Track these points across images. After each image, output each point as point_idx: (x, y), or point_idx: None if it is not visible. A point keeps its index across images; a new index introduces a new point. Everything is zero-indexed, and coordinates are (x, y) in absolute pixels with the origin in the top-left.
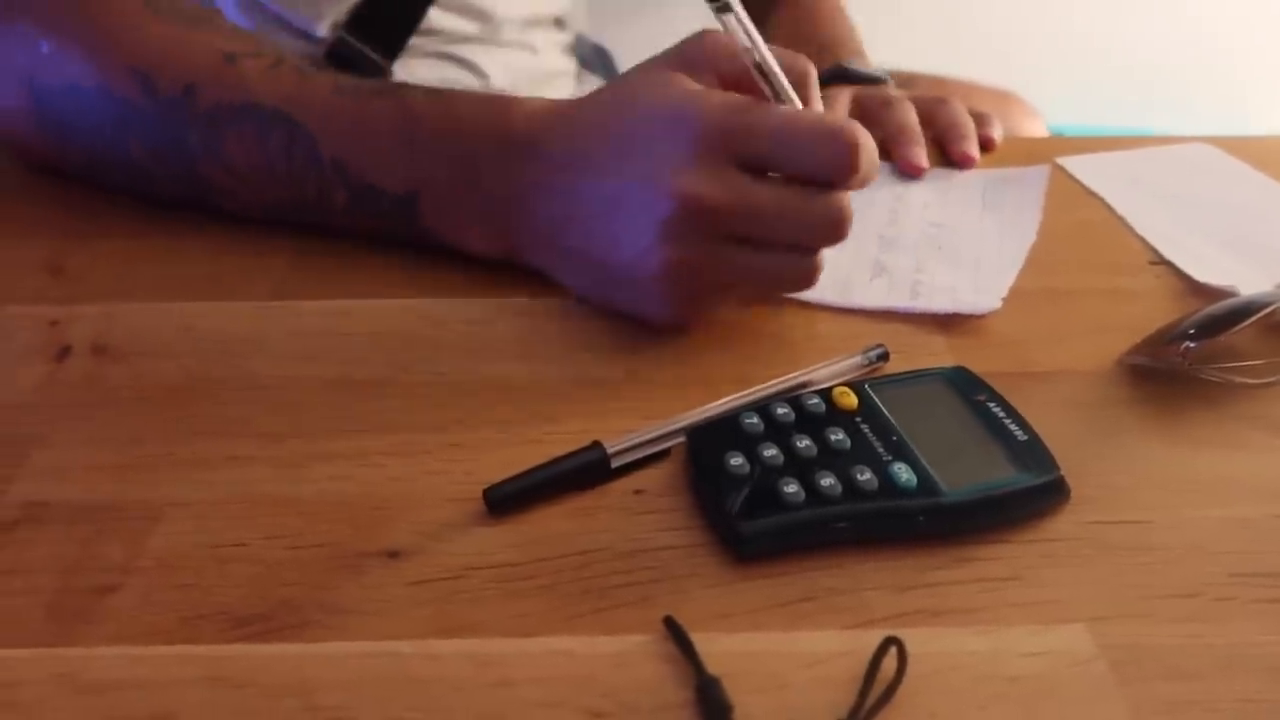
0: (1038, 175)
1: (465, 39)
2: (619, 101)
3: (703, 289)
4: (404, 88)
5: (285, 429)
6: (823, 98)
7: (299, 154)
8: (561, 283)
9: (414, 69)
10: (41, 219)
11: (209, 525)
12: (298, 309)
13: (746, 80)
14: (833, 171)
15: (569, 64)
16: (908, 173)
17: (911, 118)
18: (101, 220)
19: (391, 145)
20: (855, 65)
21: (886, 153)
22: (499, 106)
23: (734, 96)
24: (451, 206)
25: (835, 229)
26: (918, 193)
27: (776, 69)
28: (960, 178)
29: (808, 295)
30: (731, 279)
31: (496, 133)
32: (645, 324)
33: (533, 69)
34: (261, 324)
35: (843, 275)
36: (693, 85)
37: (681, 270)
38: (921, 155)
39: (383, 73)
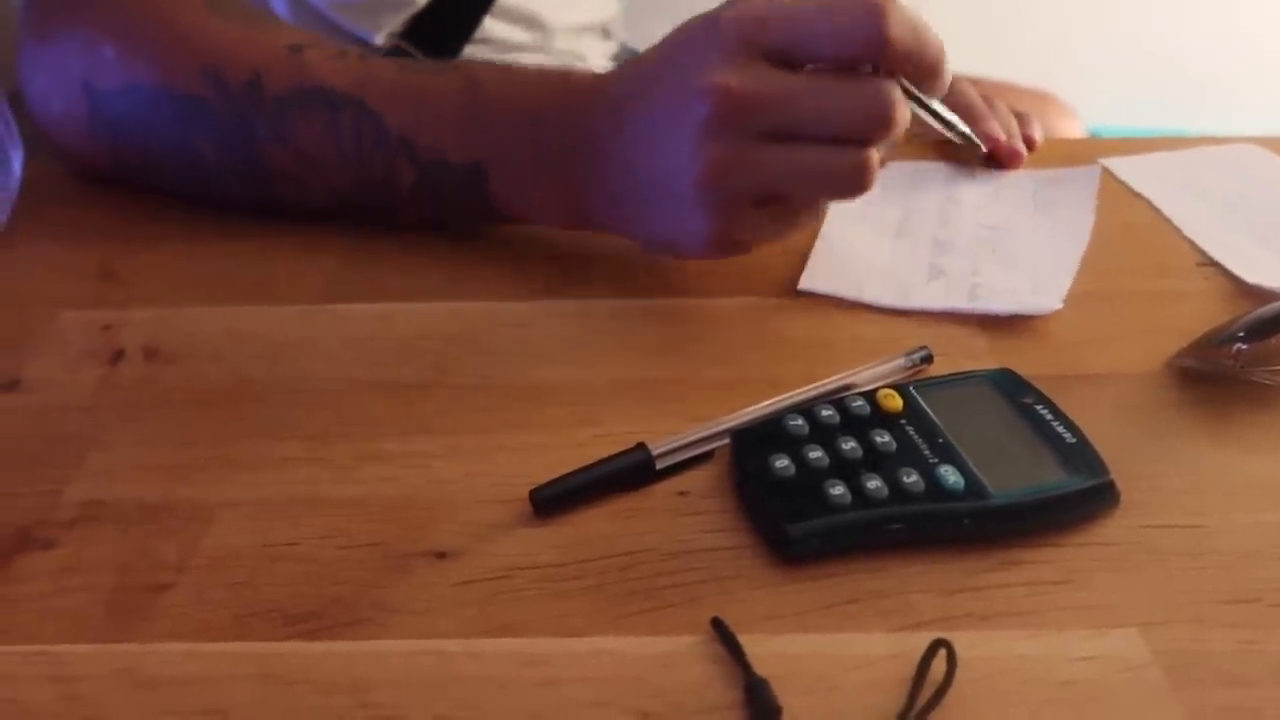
0: (1089, 176)
1: (518, 47)
2: (664, 39)
3: (743, 195)
4: (468, 63)
5: (333, 431)
6: None
7: (367, 133)
8: (624, 235)
9: None
10: (93, 225)
11: (260, 525)
12: (344, 313)
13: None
14: (861, 44)
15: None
16: (994, 150)
17: (975, 98)
18: (152, 226)
19: (456, 116)
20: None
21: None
22: (559, 72)
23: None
24: (516, 174)
25: (881, 114)
26: (968, 195)
27: None
28: (1010, 179)
29: (867, 297)
30: (775, 181)
31: (556, 94)
32: (695, 255)
33: None
34: (309, 328)
35: (901, 278)
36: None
37: (719, 171)
38: (1019, 145)
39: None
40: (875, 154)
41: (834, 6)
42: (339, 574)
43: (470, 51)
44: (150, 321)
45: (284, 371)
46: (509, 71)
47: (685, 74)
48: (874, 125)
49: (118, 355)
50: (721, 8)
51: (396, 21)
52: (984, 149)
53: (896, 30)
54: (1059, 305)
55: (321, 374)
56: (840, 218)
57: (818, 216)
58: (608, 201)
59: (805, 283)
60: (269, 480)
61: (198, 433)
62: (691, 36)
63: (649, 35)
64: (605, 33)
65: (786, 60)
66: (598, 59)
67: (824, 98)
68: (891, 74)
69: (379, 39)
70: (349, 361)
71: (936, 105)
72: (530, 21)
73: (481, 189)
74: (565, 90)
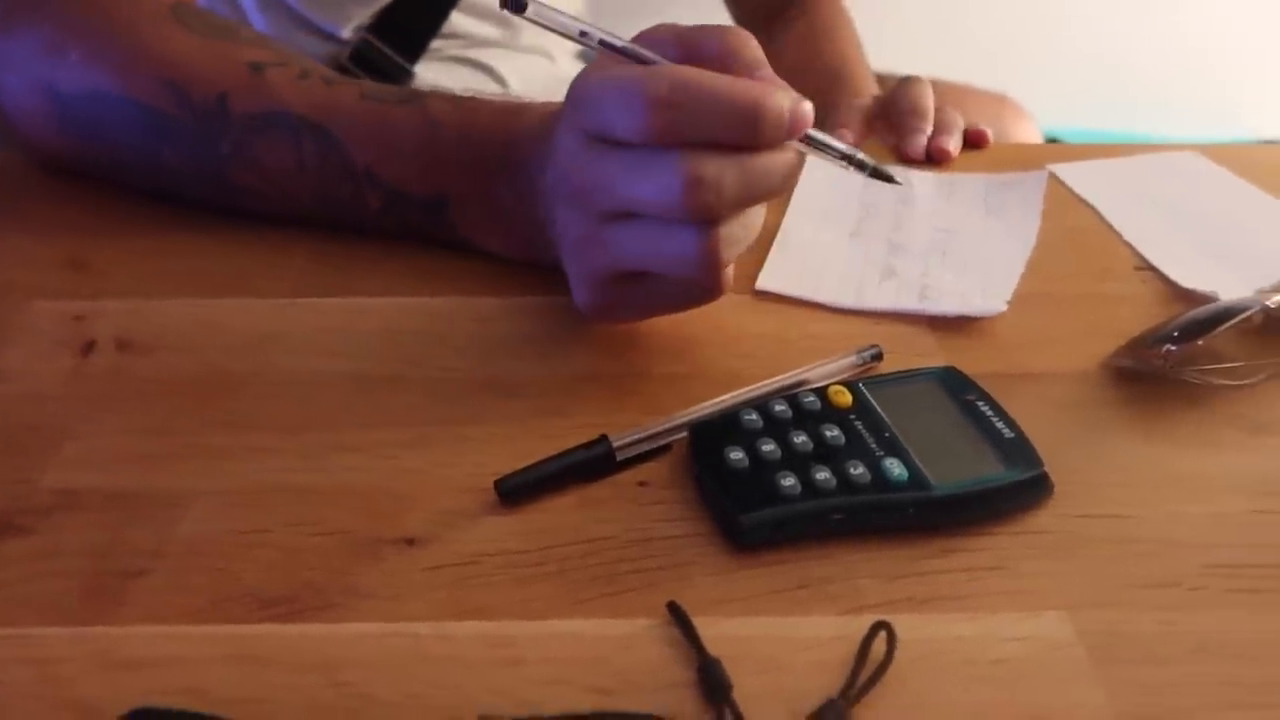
0: (1037, 181)
1: (486, 43)
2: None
3: (602, 272)
4: (427, 95)
5: (304, 422)
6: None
7: (332, 160)
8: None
9: (435, 72)
10: (64, 216)
11: (233, 513)
12: (316, 306)
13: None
14: (631, 131)
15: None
16: (904, 158)
17: (925, 102)
18: (124, 218)
19: (416, 153)
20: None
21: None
22: (512, 112)
23: (613, 70)
24: (475, 211)
25: (667, 189)
26: (923, 199)
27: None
28: (963, 183)
29: (821, 298)
30: (625, 260)
31: (508, 140)
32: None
33: (548, 75)
34: (281, 321)
35: (855, 279)
36: (610, 68)
37: (575, 248)
38: (922, 144)
39: (405, 75)
40: (714, 239)
41: (618, 86)
42: (311, 560)
43: (438, 46)
44: (122, 313)
45: (256, 363)
46: (467, 109)
47: (557, 148)
48: (667, 201)
49: (89, 346)
50: (578, 75)
51: (364, 15)
52: (897, 180)
53: (654, 111)
54: (1004, 308)
55: (293, 366)
56: (798, 217)
57: (714, 292)
58: (556, 248)
59: (762, 282)
60: (241, 469)
61: (170, 422)
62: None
63: (615, 31)
64: None
65: (608, 140)
66: (566, 57)
67: (624, 177)
68: (680, 146)
69: (345, 32)
70: (319, 354)
71: (823, 138)
72: (499, 17)
73: (445, 222)
74: (512, 137)
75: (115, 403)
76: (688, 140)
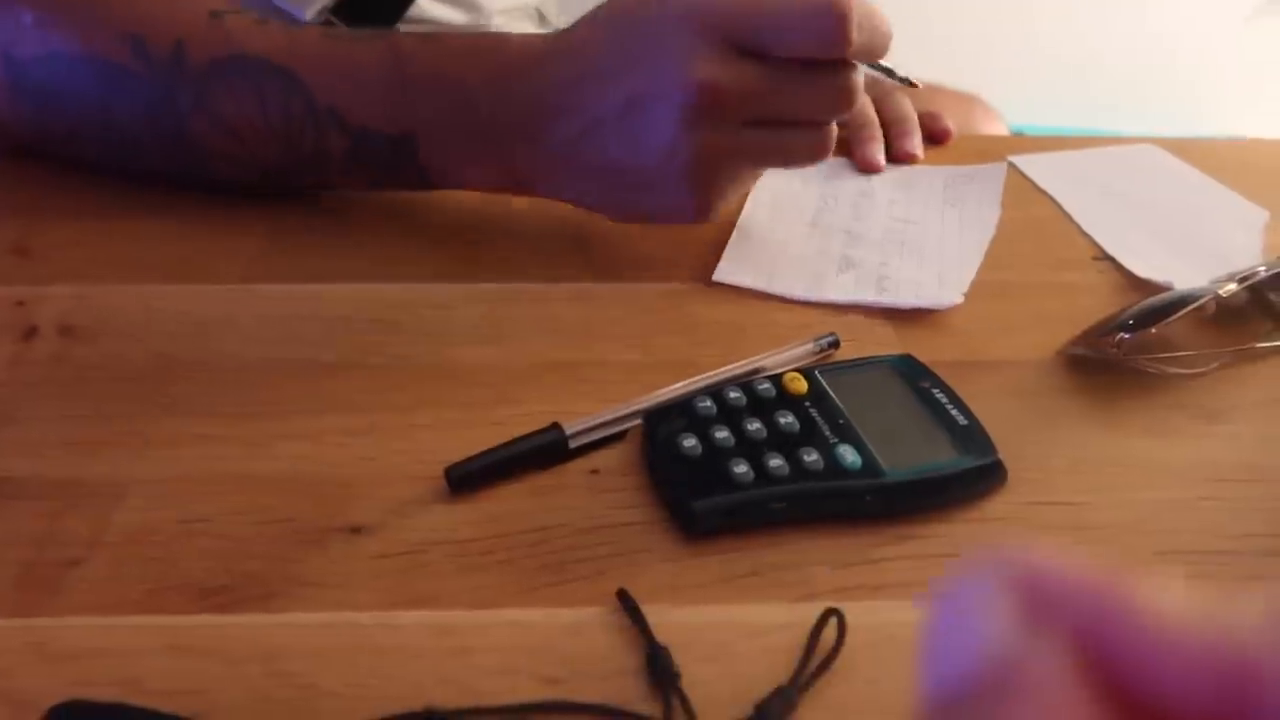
0: (995, 173)
1: (453, 29)
2: (614, 17)
3: (726, 175)
4: (392, 32)
5: (251, 409)
6: None
7: (295, 104)
8: (579, 203)
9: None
10: (7, 200)
11: (175, 501)
12: (266, 293)
13: None
14: (828, 46)
15: None
16: (866, 169)
17: (873, 114)
18: (68, 202)
19: (384, 87)
20: None
21: (848, 148)
22: (492, 41)
23: None
24: (449, 144)
25: (847, 102)
26: (882, 189)
27: None
28: (923, 174)
29: (778, 289)
30: (750, 162)
31: (493, 65)
32: (669, 221)
33: None
34: (229, 307)
35: (813, 269)
36: None
37: (707, 158)
38: (879, 153)
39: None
40: (834, 126)
41: (802, 7)
42: (253, 549)
43: (403, 29)
44: (65, 298)
45: (203, 350)
46: (437, 41)
47: (667, 61)
48: (840, 110)
49: (31, 332)
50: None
51: None
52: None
53: (858, 34)
54: (960, 299)
55: (241, 353)
56: (757, 208)
57: (819, 145)
58: (561, 172)
59: (720, 274)
60: (185, 457)
61: (113, 410)
62: (666, 25)
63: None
64: (540, 16)
65: (755, 52)
66: None
67: (797, 89)
68: (849, 64)
69: (308, 14)
70: (269, 341)
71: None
72: (464, 2)
73: (413, 158)
74: (500, 64)
75: (56, 389)
76: (856, 59)
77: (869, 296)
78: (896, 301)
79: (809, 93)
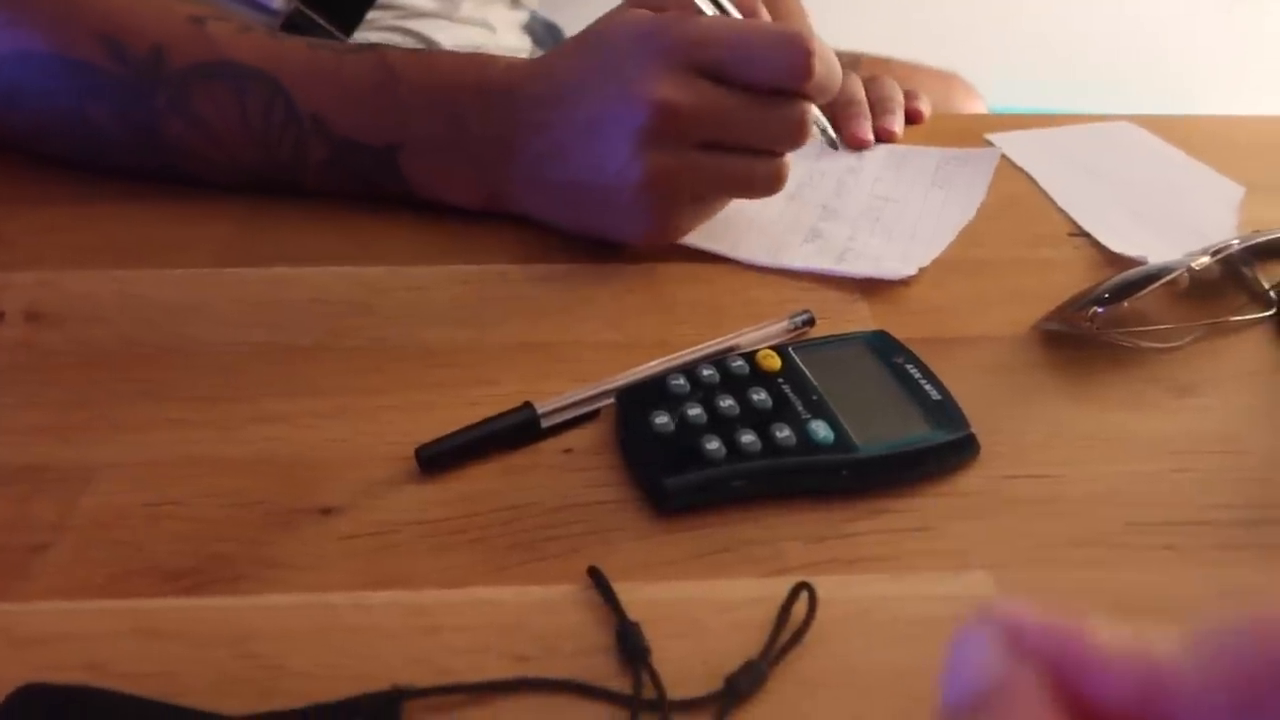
0: (989, 158)
1: (423, 14)
2: (587, 39)
3: (680, 196)
4: (382, 46)
5: (223, 393)
6: None
7: (277, 110)
8: (547, 221)
9: (369, 36)
10: None
11: (143, 485)
12: (239, 277)
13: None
14: (789, 76)
15: (524, 42)
16: (855, 147)
17: (859, 92)
18: (36, 188)
19: (372, 99)
20: None
21: (836, 125)
22: (479, 61)
23: (692, 14)
24: (433, 158)
25: (797, 133)
26: (871, 167)
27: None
28: (916, 155)
29: (740, 255)
30: (705, 185)
31: (479, 83)
32: (625, 245)
33: (489, 47)
34: (201, 292)
35: (776, 238)
36: (650, 12)
37: (660, 177)
38: (867, 129)
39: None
40: (788, 159)
41: (770, 38)
42: (222, 532)
43: (374, 16)
44: (33, 284)
45: (173, 335)
46: (425, 58)
47: (627, 81)
48: (792, 143)
49: None
50: (654, 20)
51: None
52: (839, 147)
53: (819, 67)
54: (913, 272)
55: (212, 338)
56: None
57: (773, 176)
58: (530, 190)
59: (685, 237)
60: (154, 441)
61: (81, 395)
62: (629, 45)
63: (558, 3)
64: (515, 1)
65: (717, 77)
66: (507, 29)
67: (754, 115)
68: (806, 97)
69: (277, 2)
70: (241, 325)
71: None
72: None
73: (395, 172)
74: (484, 81)
75: (23, 375)
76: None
77: (826, 265)
78: (852, 271)
79: (765, 121)
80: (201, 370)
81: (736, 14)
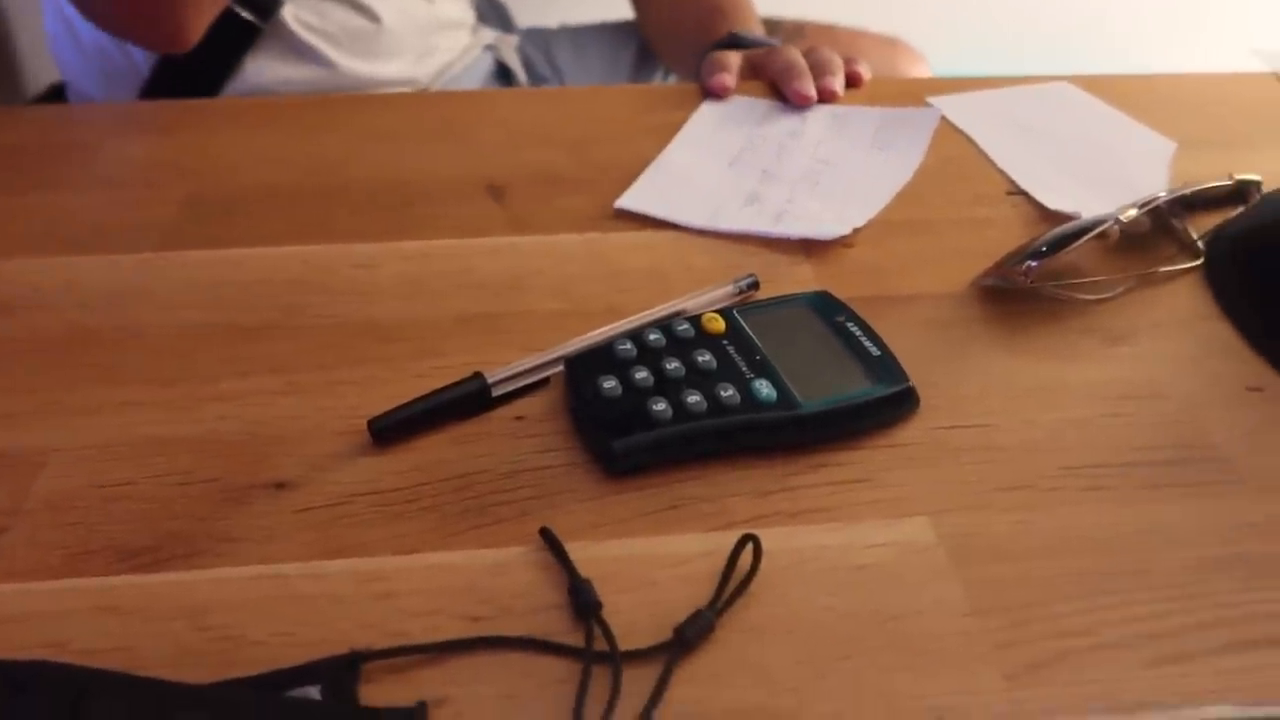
0: (928, 118)
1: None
2: None
3: None
4: None
5: (173, 374)
6: (716, 60)
7: None
8: None
9: (305, 9)
10: None
11: (96, 467)
12: (185, 260)
13: None
14: None
15: (467, 15)
16: (799, 103)
17: (796, 57)
18: None
19: None
20: (747, 33)
21: (779, 93)
22: None
23: None
24: None
25: None
26: (813, 130)
27: None
28: (856, 116)
29: (678, 218)
30: None
31: None
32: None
33: (428, 16)
34: (148, 276)
35: (715, 203)
36: None
37: None
38: (809, 86)
39: (272, 11)
40: None
41: None
42: (176, 509)
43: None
44: None
45: (123, 319)
46: None
47: None
48: None
49: None
50: None
51: None
52: None
53: None
54: (847, 231)
55: (162, 321)
56: (681, 146)
57: None
58: None
59: (623, 201)
60: (106, 424)
61: (30, 381)
62: None
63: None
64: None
65: None
66: (448, 1)
67: None
68: None
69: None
70: (189, 307)
71: None
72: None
73: None
74: None
75: None
76: None
77: (763, 227)
78: (789, 231)
79: None
80: (152, 353)
81: None
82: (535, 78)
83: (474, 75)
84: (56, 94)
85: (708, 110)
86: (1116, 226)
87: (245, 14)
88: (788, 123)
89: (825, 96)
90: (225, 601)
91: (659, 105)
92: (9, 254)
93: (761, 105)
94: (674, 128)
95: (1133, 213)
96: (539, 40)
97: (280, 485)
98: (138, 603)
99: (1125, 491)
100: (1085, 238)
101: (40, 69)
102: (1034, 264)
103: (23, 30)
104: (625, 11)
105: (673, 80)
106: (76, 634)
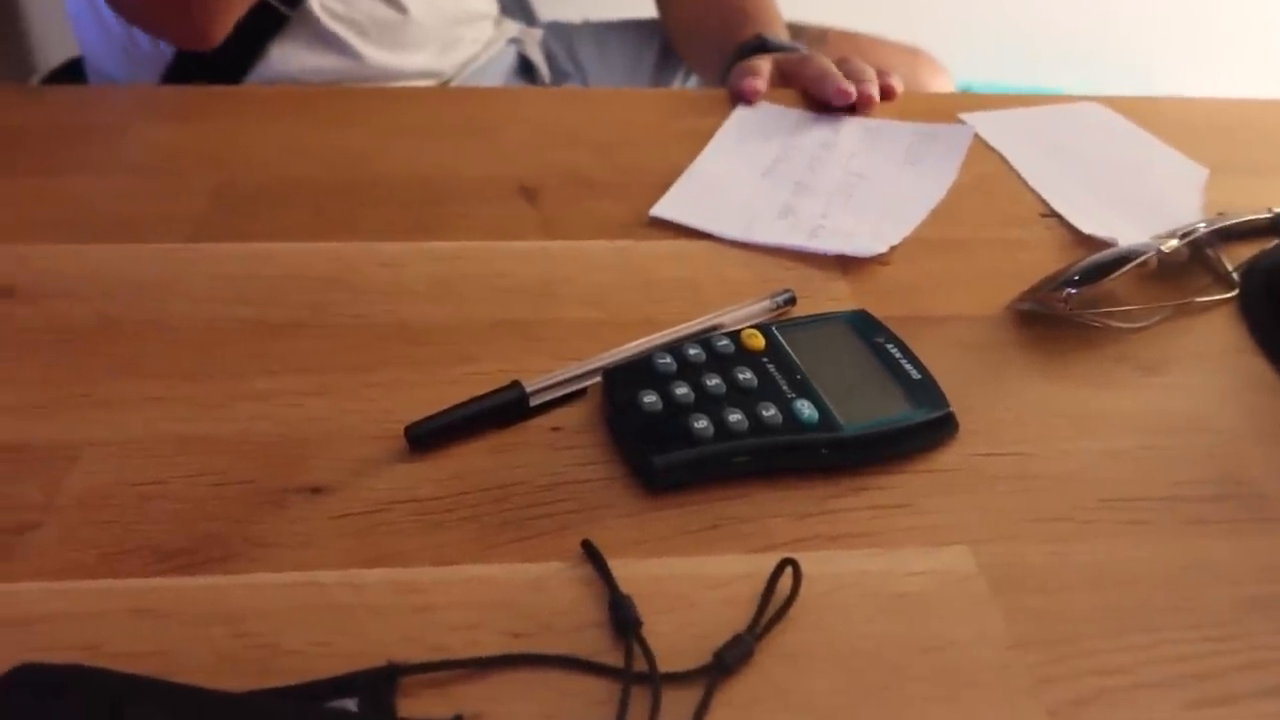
0: (962, 135)
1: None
2: None
3: None
4: None
5: (204, 370)
6: (746, 66)
7: None
8: None
9: None
10: None
11: (128, 464)
12: (214, 252)
13: None
14: None
15: (491, 7)
16: (838, 102)
17: (829, 64)
18: (6, 159)
19: None
20: (774, 38)
21: (813, 101)
22: None
23: None
24: None
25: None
26: (846, 143)
27: None
28: (888, 130)
29: (713, 228)
30: None
31: None
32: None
33: (455, 8)
34: (177, 267)
35: (749, 214)
36: None
37: None
38: (849, 84)
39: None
40: None
41: None
42: (211, 510)
43: None
44: (7, 258)
45: (151, 311)
46: None
47: None
48: None
49: None
50: None
51: None
52: None
53: None
54: (884, 249)
55: (190, 314)
56: (714, 155)
57: None
58: None
59: (658, 210)
60: (136, 419)
61: (59, 371)
62: None
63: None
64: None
65: None
66: None
67: None
68: None
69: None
70: (218, 301)
71: None
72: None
73: None
74: None
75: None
76: None
77: (798, 241)
78: (824, 247)
79: None
80: (180, 346)
81: None
82: (557, 72)
83: (497, 68)
84: (72, 69)
85: (739, 119)
86: (1156, 256)
87: (273, 0)
88: (820, 134)
89: (864, 102)
90: (262, 608)
91: (687, 110)
92: (34, 239)
93: (792, 115)
94: (702, 134)
95: (1174, 243)
96: (562, 35)
97: (316, 490)
98: (174, 606)
99: (1164, 526)
100: (1126, 267)
101: (52, 44)
102: (1074, 291)
103: (34, 3)
104: (648, 9)
105: (694, 82)
106: (112, 636)
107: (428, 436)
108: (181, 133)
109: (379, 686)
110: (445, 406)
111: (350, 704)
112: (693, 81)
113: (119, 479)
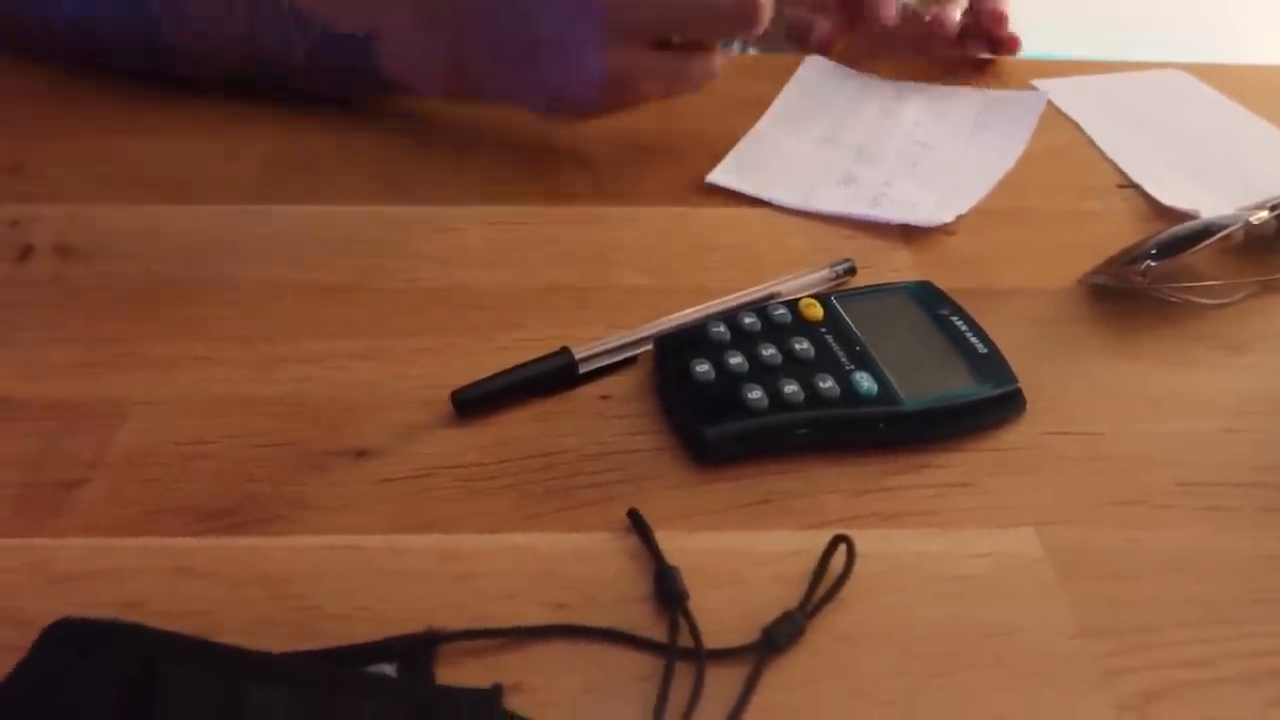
0: (1034, 102)
1: None
2: None
3: (642, 30)
4: None
5: (253, 331)
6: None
7: (262, 6)
8: (512, 101)
9: None
10: (1, 116)
11: (175, 423)
12: (268, 214)
13: None
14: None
15: None
16: (941, 28)
17: None
18: (64, 119)
19: None
20: None
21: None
22: None
23: None
24: (403, 41)
25: (749, 21)
26: (911, 111)
27: None
28: (958, 97)
29: (771, 196)
30: (671, 15)
31: None
32: (588, 102)
33: None
34: (230, 228)
35: (809, 182)
36: None
37: (619, 7)
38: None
39: None
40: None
41: None
42: (254, 471)
43: None
44: (61, 218)
45: (203, 272)
46: None
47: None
48: (740, 30)
49: (26, 251)
50: None
51: None
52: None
53: None
54: (950, 220)
55: (242, 275)
56: (772, 121)
57: (709, 73)
58: (494, 63)
59: (714, 176)
60: (185, 379)
61: (111, 330)
62: None
63: None
64: None
65: None
66: None
67: (705, 8)
68: None
69: None
70: (269, 263)
71: None
72: None
73: (370, 57)
74: None
75: (53, 310)
76: None
77: (860, 210)
78: (886, 216)
79: (716, 13)
80: (231, 308)
81: None
82: None
83: None
84: None
85: (798, 84)
86: (1242, 229)
87: None
88: (881, 100)
89: (936, 27)
90: (304, 570)
91: (745, 75)
92: (90, 199)
93: (853, 80)
94: (760, 100)
95: (1263, 215)
96: None
97: (360, 453)
98: (215, 566)
99: (1246, 514)
100: (1211, 239)
101: None
102: (1152, 264)
103: None
104: None
105: (752, 51)
106: (153, 594)
107: (474, 402)
108: (237, 93)
109: (418, 653)
110: (492, 372)
111: (389, 669)
112: (751, 49)
113: (165, 438)
